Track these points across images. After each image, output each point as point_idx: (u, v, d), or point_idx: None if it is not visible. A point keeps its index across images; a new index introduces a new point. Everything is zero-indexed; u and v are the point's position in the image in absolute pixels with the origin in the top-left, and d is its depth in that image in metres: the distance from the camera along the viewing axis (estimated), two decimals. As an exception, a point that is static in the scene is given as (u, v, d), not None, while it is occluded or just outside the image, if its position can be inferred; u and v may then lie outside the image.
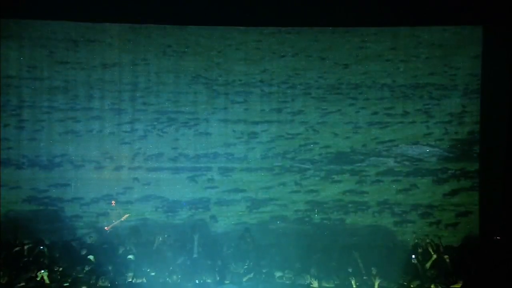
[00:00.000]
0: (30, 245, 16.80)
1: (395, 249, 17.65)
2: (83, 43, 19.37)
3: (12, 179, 19.19)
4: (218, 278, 15.33)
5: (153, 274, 15.63)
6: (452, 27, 19.43)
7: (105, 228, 18.78)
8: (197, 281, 15.22)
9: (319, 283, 15.23)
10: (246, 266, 16.15)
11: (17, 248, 16.84)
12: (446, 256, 17.06)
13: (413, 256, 16.58)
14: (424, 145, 19.74)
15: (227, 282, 15.26)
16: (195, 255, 16.62)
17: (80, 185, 19.30)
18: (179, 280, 15.28)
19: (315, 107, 19.75)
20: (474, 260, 16.84)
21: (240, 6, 18.25)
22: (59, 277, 15.08)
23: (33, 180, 19.26)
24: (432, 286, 15.84)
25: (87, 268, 15.62)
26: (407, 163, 19.70)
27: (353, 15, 18.55)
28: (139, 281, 15.16)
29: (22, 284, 14.53)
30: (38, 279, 14.81)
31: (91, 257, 16.31)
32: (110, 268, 15.70)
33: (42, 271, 14.77)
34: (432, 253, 16.99)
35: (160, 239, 17.57)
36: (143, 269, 15.66)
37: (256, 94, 19.75)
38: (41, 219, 18.98)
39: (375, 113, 19.76)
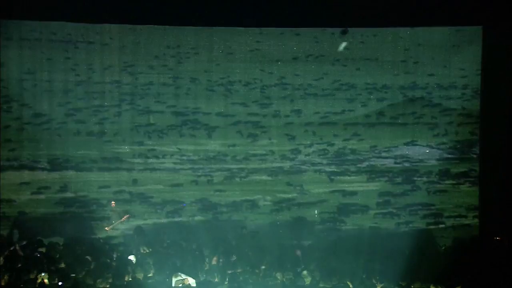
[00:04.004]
0: (31, 247, 16.81)
1: (395, 250, 17.63)
2: (83, 44, 19.37)
3: (19, 180, 19.27)
4: (217, 280, 15.34)
5: (153, 274, 15.63)
6: (452, 27, 19.42)
7: (105, 228, 18.78)
8: (195, 281, 15.22)
9: (318, 284, 15.25)
10: (246, 268, 16.15)
11: (17, 250, 16.84)
12: (446, 257, 17.06)
13: (414, 257, 16.59)
14: (424, 146, 19.75)
15: (226, 283, 15.28)
16: (190, 257, 16.63)
17: (83, 185, 19.39)
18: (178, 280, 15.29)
19: (315, 108, 19.75)
20: (474, 260, 16.81)
21: (240, 7, 18.23)
22: (59, 279, 15.07)
23: (36, 181, 19.34)
24: (432, 287, 15.84)
25: (86, 269, 15.62)
26: (407, 164, 19.71)
27: (353, 15, 18.51)
28: (138, 281, 15.16)
29: (22, 286, 14.54)
30: (38, 281, 14.81)
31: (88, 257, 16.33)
32: (110, 268, 15.70)
33: (43, 274, 14.76)
34: (432, 253, 16.99)
35: (161, 239, 17.63)
36: (142, 270, 15.68)
37: (255, 94, 19.75)
38: (53, 220, 19.10)
39: (375, 113, 19.76)
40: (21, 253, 16.62)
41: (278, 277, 15.65)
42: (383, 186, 19.70)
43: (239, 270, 15.95)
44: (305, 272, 15.86)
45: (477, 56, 19.33)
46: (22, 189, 19.23)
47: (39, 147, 19.32)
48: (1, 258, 16.01)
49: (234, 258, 16.46)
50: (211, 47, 19.59)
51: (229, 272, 15.68)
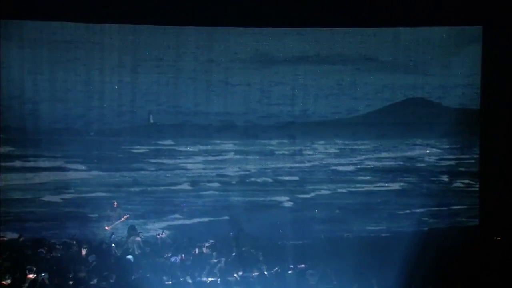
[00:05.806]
0: (32, 247, 16.83)
1: (395, 250, 17.67)
2: (83, 44, 19.35)
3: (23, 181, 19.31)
4: (218, 281, 15.35)
5: (151, 274, 15.65)
6: (452, 27, 19.44)
7: (105, 228, 18.80)
8: (190, 281, 15.25)
9: (318, 285, 15.26)
10: (250, 268, 16.18)
11: (18, 250, 16.87)
12: (446, 257, 17.07)
13: (412, 257, 16.61)
14: (424, 145, 19.78)
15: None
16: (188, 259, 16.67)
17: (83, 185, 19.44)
18: (176, 280, 15.31)
19: (315, 108, 19.76)
20: (474, 260, 16.85)
21: (240, 7, 18.25)
22: (59, 279, 15.09)
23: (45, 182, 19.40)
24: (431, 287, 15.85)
25: (86, 269, 15.64)
26: (407, 164, 19.75)
27: (353, 15, 18.53)
28: (137, 281, 15.18)
29: (22, 286, 14.54)
30: (39, 281, 14.82)
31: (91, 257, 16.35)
32: (111, 269, 15.72)
33: (43, 274, 14.76)
34: (432, 253, 17.02)
35: (158, 236, 17.70)
36: (141, 270, 15.70)
37: (255, 95, 19.76)
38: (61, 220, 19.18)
39: (375, 113, 19.78)
40: (22, 253, 16.66)
41: (281, 278, 15.69)
42: (383, 186, 19.73)
43: (241, 271, 15.99)
44: (310, 271, 15.91)
45: (477, 56, 19.38)
46: (28, 189, 19.29)
47: (40, 147, 19.36)
48: (2, 258, 16.06)
49: (235, 257, 16.50)
50: (210, 46, 19.57)
51: (233, 273, 15.72)
